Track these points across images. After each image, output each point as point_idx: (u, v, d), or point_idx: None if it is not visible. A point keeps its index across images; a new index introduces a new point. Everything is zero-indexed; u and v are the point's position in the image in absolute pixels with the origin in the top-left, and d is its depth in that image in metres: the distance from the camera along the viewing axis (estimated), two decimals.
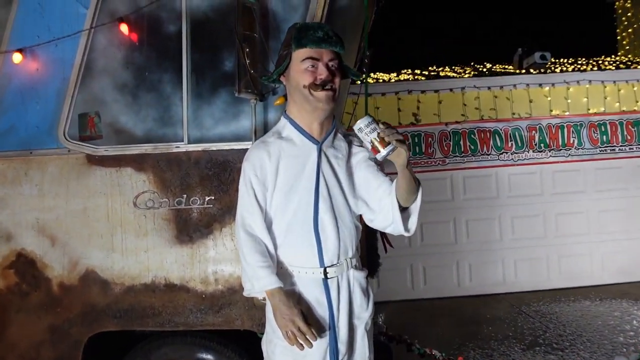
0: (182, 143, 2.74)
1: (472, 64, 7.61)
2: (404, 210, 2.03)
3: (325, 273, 2.10)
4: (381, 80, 6.94)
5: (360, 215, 2.23)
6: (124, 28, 2.77)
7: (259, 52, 2.56)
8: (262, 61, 2.59)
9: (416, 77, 6.97)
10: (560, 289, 6.66)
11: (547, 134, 6.72)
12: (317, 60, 2.02)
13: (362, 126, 1.79)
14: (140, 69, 2.80)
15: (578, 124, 6.74)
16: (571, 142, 6.74)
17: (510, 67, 7.39)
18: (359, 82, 6.54)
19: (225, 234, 2.69)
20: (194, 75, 2.74)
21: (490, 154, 6.70)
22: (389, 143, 1.76)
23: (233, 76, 2.56)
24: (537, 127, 6.72)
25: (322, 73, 2.02)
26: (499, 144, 6.71)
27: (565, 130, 6.74)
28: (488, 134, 6.69)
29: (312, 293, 2.10)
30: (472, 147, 6.70)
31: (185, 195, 2.70)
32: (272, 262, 2.11)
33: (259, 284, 2.09)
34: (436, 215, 6.50)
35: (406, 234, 2.09)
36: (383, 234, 3.88)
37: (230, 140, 2.71)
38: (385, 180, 2.09)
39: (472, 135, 6.69)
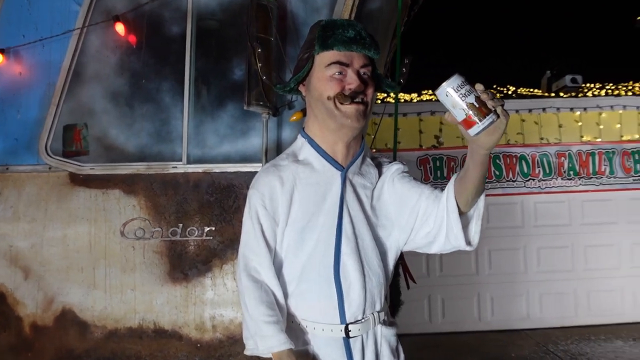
0: (180, 163, 2.29)
1: (495, 86, 7.16)
2: (461, 217, 1.50)
3: (347, 331, 1.61)
4: (402, 100, 6.48)
5: (399, 258, 1.74)
6: (120, 28, 2.33)
7: (274, 59, 2.12)
8: (277, 69, 2.15)
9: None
10: (589, 326, 6.07)
11: (577, 161, 6.21)
12: (346, 66, 1.55)
13: (451, 89, 1.25)
14: (137, 75, 2.37)
15: (610, 151, 6.22)
16: (602, 170, 6.22)
17: (537, 90, 6.91)
18: (379, 100, 6.15)
19: (226, 272, 2.23)
20: (198, 85, 2.30)
21: (516, 181, 6.19)
22: (490, 111, 1.24)
23: (242, 86, 2.12)
24: (567, 153, 6.21)
25: (352, 82, 1.54)
26: (525, 170, 6.20)
27: (597, 157, 6.22)
28: (514, 159, 6.19)
29: (330, 356, 1.61)
30: (497, 173, 6.20)
31: (181, 225, 2.25)
32: (282, 315, 1.62)
33: (264, 343, 1.59)
34: None
35: (468, 248, 1.53)
36: (406, 269, 3.40)
37: (236, 162, 2.26)
38: (427, 187, 1.60)
39: (497, 160, 6.19)
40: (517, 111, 6.21)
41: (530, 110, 6.23)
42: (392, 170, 1.69)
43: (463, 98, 1.23)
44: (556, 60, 6.63)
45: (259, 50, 1.84)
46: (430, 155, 6.18)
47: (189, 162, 2.30)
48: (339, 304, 1.58)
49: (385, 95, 6.27)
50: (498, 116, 1.24)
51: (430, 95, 6.73)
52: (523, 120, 6.25)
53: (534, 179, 6.23)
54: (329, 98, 1.54)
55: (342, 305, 1.58)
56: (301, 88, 1.68)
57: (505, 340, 5.77)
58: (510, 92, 6.89)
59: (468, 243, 1.51)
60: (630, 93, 6.60)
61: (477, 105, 1.23)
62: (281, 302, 1.62)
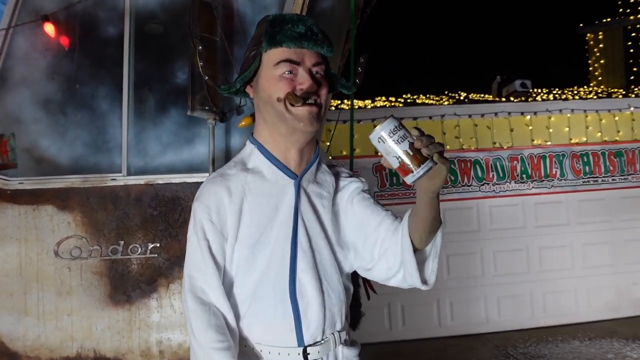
0: (120, 175, 2.10)
1: (446, 92, 7.18)
2: (416, 254, 1.41)
3: (305, 354, 1.46)
4: (356, 107, 6.39)
5: (353, 273, 1.60)
6: (49, 29, 2.13)
7: (220, 60, 1.96)
8: (223, 71, 1.98)
9: (393, 103, 6.46)
10: (545, 328, 6.07)
11: (529, 164, 6.25)
12: (296, 64, 1.40)
13: (384, 134, 1.15)
14: (69, 80, 2.16)
15: (560, 154, 6.29)
16: (554, 172, 6.27)
17: (487, 95, 6.97)
18: (333, 107, 6.05)
19: (173, 292, 2.04)
20: (138, 89, 2.11)
21: (471, 185, 6.17)
22: (427, 158, 1.14)
23: (186, 90, 1.94)
24: (519, 157, 6.25)
25: (304, 81, 1.40)
26: (480, 175, 6.19)
27: (548, 160, 6.28)
28: (469, 163, 6.17)
29: None
30: (452, 178, 6.15)
31: (122, 242, 2.05)
32: (233, 339, 1.45)
33: None
34: None
35: (423, 287, 1.44)
36: (366, 279, 3.28)
37: (181, 172, 2.09)
38: (388, 216, 1.49)
39: (452, 165, 6.12)
40: (469, 116, 6.21)
41: (482, 115, 6.23)
42: (352, 189, 1.56)
43: (396, 144, 1.14)
44: (505, 66, 6.69)
45: (200, 47, 1.67)
46: None
47: (129, 173, 2.11)
48: (296, 324, 1.43)
49: (340, 101, 6.19)
50: (435, 163, 1.15)
51: (384, 101, 6.69)
52: (476, 125, 6.24)
53: (488, 183, 6.22)
54: (278, 100, 1.39)
55: (300, 326, 1.43)
56: (248, 90, 1.53)
57: (466, 346, 5.68)
58: (462, 97, 6.92)
59: (424, 282, 1.42)
60: (577, 97, 6.74)
61: (411, 153, 1.14)
62: (232, 325, 1.46)
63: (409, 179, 1.15)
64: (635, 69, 8.44)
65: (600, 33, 8.83)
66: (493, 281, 6.18)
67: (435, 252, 1.42)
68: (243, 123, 2.00)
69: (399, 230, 1.41)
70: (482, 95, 7.05)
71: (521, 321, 6.14)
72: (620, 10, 8.65)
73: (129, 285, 2.05)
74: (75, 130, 2.13)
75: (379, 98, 6.85)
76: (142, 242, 2.06)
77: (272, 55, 1.41)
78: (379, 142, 1.17)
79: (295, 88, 1.39)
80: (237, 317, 1.47)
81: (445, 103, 6.42)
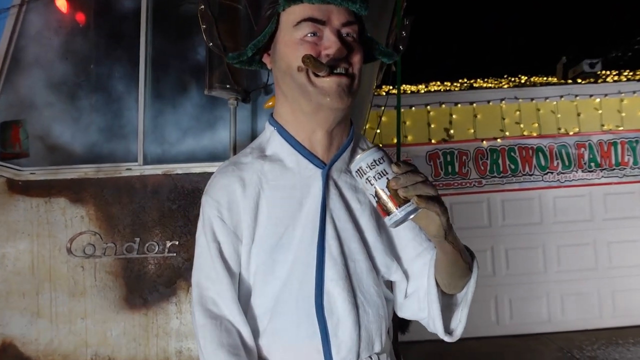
0: (136, 164, 1.86)
1: (505, 76, 6.68)
2: (445, 297, 1.21)
3: None
4: (409, 92, 6.03)
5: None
6: (61, 3, 1.91)
7: (245, 32, 1.68)
8: (246, 44, 1.70)
9: (448, 88, 6.06)
10: (614, 329, 5.64)
11: (598, 152, 5.74)
12: (321, 25, 1.11)
13: (364, 166, 0.99)
14: (83, 60, 1.93)
15: (633, 140, 5.74)
16: (626, 160, 5.75)
17: (552, 78, 6.43)
18: (384, 92, 5.71)
19: None
20: (155, 68, 1.87)
21: (533, 174, 5.74)
22: (406, 200, 0.97)
23: (204, 67, 1.67)
24: (587, 143, 5.74)
25: (330, 45, 1.10)
26: (543, 163, 5.75)
27: (619, 147, 5.75)
28: (530, 151, 5.73)
29: None
30: (512, 167, 5.75)
31: (138, 239, 1.82)
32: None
33: None
34: (471, 243, 5.34)
35: (447, 339, 1.23)
36: None
37: (202, 160, 1.83)
38: (428, 250, 1.26)
39: (512, 153, 5.73)
40: (532, 99, 5.78)
41: (546, 99, 5.77)
42: None
43: (373, 181, 0.99)
44: (571, 46, 6.13)
45: (202, 7, 1.40)
46: (441, 149, 5.77)
47: (146, 162, 1.86)
48: (324, 346, 1.15)
49: (391, 87, 5.82)
50: (417, 207, 0.97)
51: (439, 86, 6.29)
52: (539, 110, 5.79)
53: (552, 172, 5.79)
54: (299, 69, 1.09)
55: (328, 347, 1.15)
56: (265, 59, 1.24)
57: (526, 346, 5.37)
58: (523, 81, 6.43)
59: (448, 333, 1.22)
60: None
61: (387, 193, 0.99)
62: (249, 343, 1.18)
63: (387, 221, 1.00)
64: None
65: None
66: (556, 278, 5.80)
67: (466, 301, 1.20)
68: (270, 103, 1.72)
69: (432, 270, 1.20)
70: (545, 78, 6.51)
71: (587, 321, 5.74)
72: None
73: (145, 287, 1.82)
74: (89, 115, 1.92)
75: (434, 82, 6.44)
76: (160, 239, 1.82)
77: (292, 14, 1.11)
78: (357, 174, 1.01)
79: (320, 54, 1.09)
80: (256, 333, 1.20)
81: (505, 86, 5.95)
